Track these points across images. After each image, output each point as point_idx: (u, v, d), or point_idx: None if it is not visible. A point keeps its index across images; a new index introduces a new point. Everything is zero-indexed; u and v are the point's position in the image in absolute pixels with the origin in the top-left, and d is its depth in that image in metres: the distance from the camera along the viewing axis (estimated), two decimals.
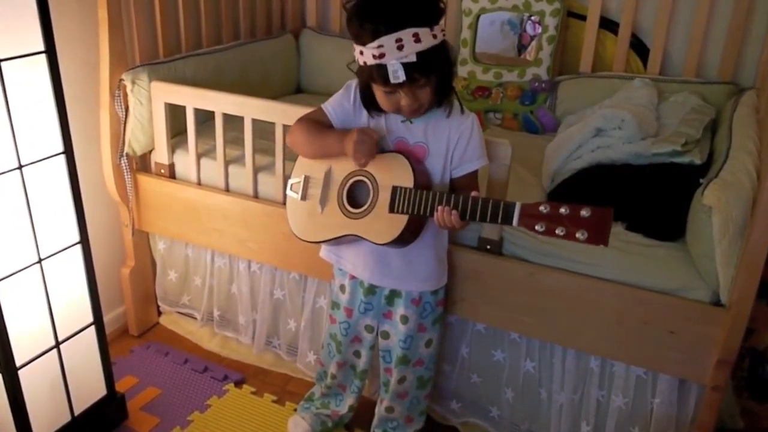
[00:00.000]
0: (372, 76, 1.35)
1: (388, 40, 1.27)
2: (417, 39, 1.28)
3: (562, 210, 1.19)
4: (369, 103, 1.44)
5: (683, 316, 1.46)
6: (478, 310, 1.67)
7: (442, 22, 1.33)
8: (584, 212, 1.18)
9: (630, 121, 1.72)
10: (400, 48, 1.27)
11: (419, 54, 1.28)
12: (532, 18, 2.31)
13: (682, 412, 1.56)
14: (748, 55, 2.12)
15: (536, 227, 1.22)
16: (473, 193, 1.32)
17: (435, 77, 1.35)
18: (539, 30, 2.30)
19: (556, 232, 1.19)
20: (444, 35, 1.34)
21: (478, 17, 2.37)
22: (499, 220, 1.28)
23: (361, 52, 1.33)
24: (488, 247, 1.63)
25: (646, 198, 1.61)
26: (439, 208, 1.33)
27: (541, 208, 1.21)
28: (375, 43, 1.28)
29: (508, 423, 1.78)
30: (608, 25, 2.29)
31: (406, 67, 1.29)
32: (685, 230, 1.54)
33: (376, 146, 1.42)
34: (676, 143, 1.65)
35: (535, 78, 2.31)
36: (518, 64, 2.36)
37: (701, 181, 1.48)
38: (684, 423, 1.56)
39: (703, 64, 2.19)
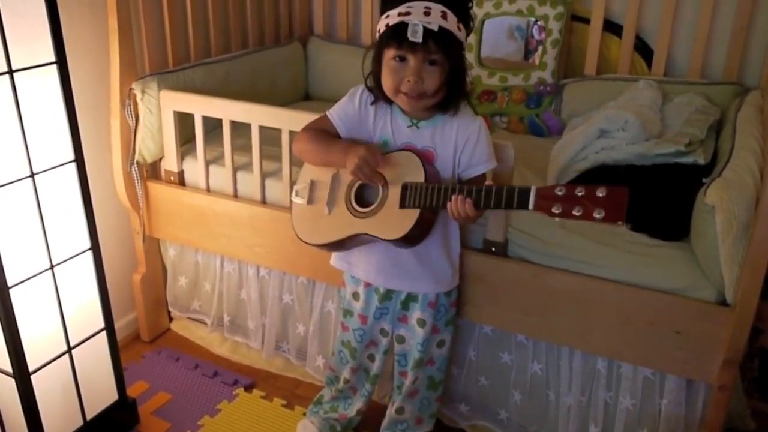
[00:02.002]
0: (389, 40, 1.36)
1: (417, 5, 1.32)
2: (444, 16, 1.32)
3: (578, 191, 1.20)
4: (375, 85, 1.44)
5: (689, 315, 1.46)
6: (484, 312, 1.67)
7: (468, 37, 1.39)
8: (600, 192, 1.18)
9: (634, 122, 1.73)
10: (427, 14, 1.31)
11: (441, 29, 1.32)
12: (539, 23, 2.33)
13: (691, 413, 1.56)
14: (752, 55, 2.12)
15: (553, 209, 1.21)
16: (486, 183, 1.33)
17: (447, 64, 1.37)
18: (545, 34, 2.31)
19: (573, 212, 1.19)
20: (464, 49, 1.39)
21: (482, 22, 2.38)
22: (515, 205, 1.27)
23: (387, 15, 1.35)
24: (493, 249, 1.64)
25: (651, 198, 1.61)
26: (453, 197, 1.33)
27: (557, 190, 1.22)
28: (405, 5, 1.32)
29: (516, 425, 1.78)
30: (612, 27, 2.30)
31: (425, 33, 1.31)
32: (690, 230, 1.54)
33: (377, 170, 1.42)
34: (680, 143, 1.65)
35: (540, 81, 2.32)
36: (523, 68, 2.37)
37: (705, 180, 1.48)
38: (692, 423, 1.56)
39: (707, 65, 2.19)
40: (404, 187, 1.39)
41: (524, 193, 1.26)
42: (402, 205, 1.39)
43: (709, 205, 1.39)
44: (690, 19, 2.17)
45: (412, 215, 1.38)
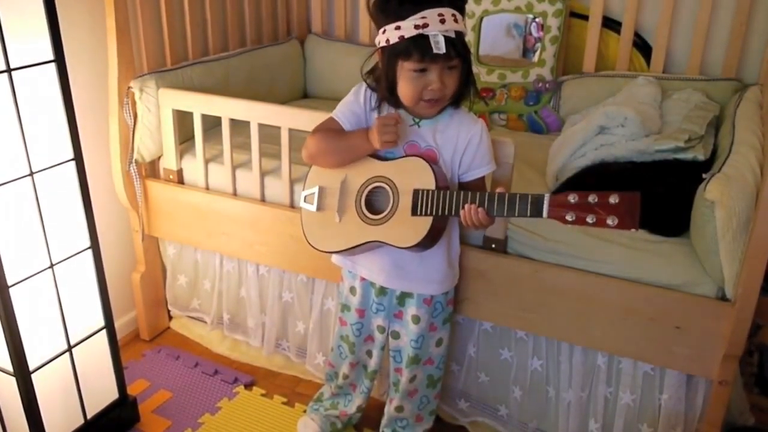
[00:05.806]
0: (407, 51, 1.34)
1: (431, 13, 1.31)
2: (455, 19, 1.33)
3: (591, 198, 1.20)
4: (387, 92, 1.43)
5: (689, 311, 1.46)
6: (484, 308, 1.67)
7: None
8: (612, 199, 1.18)
9: (633, 119, 1.73)
10: (442, 22, 1.31)
11: (456, 33, 1.33)
12: (537, 20, 2.33)
13: (691, 408, 1.56)
14: (751, 51, 2.12)
15: (566, 217, 1.22)
16: (498, 189, 1.33)
17: (463, 65, 1.38)
18: (543, 31, 2.31)
19: (587, 220, 1.20)
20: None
21: (481, 19, 2.38)
22: (528, 213, 1.27)
23: (398, 27, 1.33)
24: (493, 245, 1.64)
25: (650, 194, 1.60)
26: (466, 206, 1.33)
27: (570, 198, 1.22)
28: (418, 15, 1.31)
29: (517, 422, 1.78)
30: (611, 24, 2.30)
31: (444, 41, 1.32)
32: (690, 226, 1.54)
33: (401, 128, 1.42)
34: (680, 139, 1.65)
35: (539, 78, 2.32)
36: (522, 65, 2.37)
37: (704, 176, 1.48)
38: (692, 418, 1.57)
39: (706, 62, 2.19)
40: (415, 194, 1.39)
41: (538, 201, 1.26)
42: (414, 213, 1.39)
43: (709, 201, 1.39)
44: (689, 16, 2.17)
45: (424, 222, 1.38)
